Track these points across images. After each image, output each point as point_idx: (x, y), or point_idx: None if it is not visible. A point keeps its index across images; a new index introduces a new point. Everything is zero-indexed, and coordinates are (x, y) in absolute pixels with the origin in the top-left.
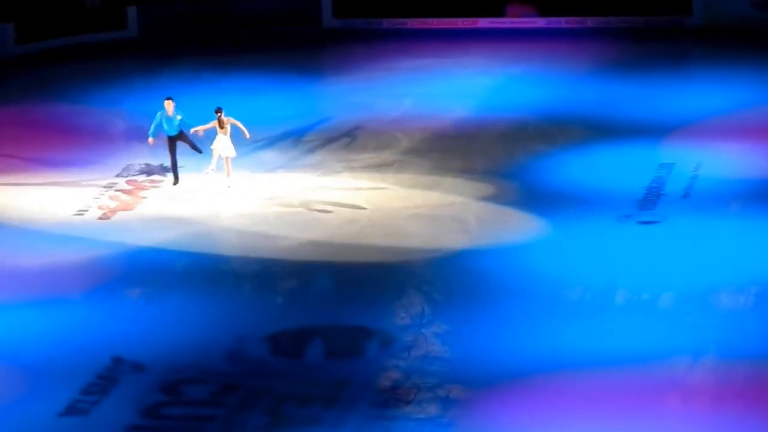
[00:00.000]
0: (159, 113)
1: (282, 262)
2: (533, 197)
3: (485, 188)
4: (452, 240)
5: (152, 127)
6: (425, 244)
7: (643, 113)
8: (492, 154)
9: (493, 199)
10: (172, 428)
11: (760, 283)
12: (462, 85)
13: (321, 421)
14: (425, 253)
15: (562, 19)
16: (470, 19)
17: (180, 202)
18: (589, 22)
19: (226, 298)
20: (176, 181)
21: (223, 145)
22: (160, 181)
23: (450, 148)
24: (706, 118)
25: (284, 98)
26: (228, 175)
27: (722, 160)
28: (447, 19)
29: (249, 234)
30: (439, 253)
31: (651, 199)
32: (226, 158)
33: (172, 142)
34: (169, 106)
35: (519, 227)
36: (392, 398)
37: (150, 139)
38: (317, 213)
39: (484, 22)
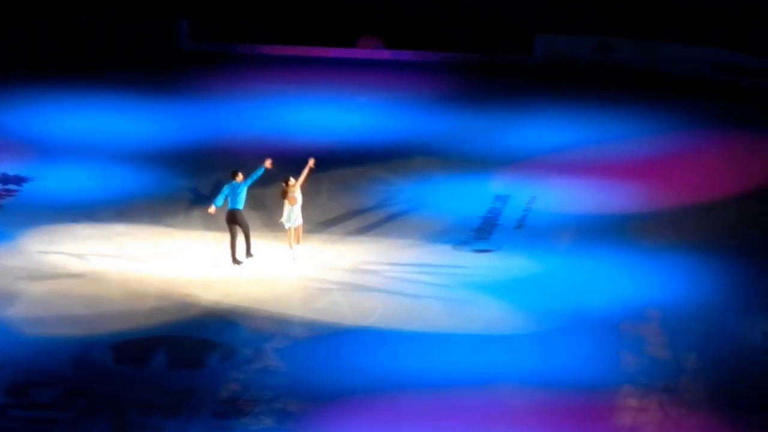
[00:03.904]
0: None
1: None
2: (373, 224)
3: (330, 213)
4: (298, 263)
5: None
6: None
7: (481, 146)
8: (337, 179)
9: (335, 223)
10: (17, 431)
11: (579, 314)
12: (310, 112)
13: (164, 430)
14: (269, 272)
15: (409, 53)
16: (322, 48)
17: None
18: (435, 56)
19: (75, 303)
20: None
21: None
22: (15, 191)
23: (296, 172)
24: (541, 154)
25: (134, 118)
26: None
27: (555, 195)
28: (300, 47)
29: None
30: (283, 272)
31: (486, 229)
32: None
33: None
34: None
35: (358, 252)
36: (231, 409)
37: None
38: (168, 231)
39: (335, 52)
